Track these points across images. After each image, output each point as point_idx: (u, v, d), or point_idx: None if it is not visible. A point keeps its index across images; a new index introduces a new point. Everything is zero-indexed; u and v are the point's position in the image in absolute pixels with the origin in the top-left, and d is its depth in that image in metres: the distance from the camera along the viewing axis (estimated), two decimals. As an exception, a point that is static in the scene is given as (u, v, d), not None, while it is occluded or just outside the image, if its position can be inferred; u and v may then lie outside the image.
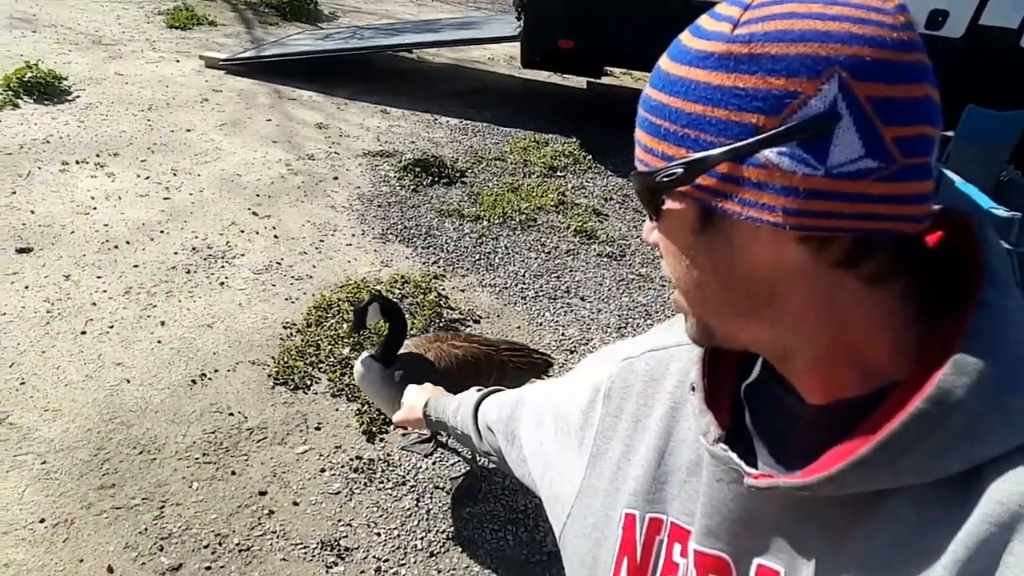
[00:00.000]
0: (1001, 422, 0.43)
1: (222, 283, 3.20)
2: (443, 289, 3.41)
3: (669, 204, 0.50)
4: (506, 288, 3.52)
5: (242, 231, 3.63)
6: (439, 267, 3.62)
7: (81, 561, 1.93)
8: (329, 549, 2.07)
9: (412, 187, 4.36)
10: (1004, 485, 0.42)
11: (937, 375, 0.44)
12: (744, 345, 0.54)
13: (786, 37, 0.42)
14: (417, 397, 1.17)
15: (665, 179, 0.48)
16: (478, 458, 2.27)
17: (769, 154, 0.43)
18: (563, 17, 4.81)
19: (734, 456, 0.54)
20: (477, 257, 3.75)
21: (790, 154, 0.43)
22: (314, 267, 3.45)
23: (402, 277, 3.42)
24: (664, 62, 0.50)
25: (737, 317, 0.52)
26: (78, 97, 4.84)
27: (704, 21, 0.48)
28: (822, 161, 0.42)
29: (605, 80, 6.60)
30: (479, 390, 1.03)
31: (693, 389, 0.60)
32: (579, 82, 6.85)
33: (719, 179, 0.46)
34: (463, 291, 3.45)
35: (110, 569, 1.93)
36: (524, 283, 3.58)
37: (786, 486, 0.49)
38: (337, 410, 2.59)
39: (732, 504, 0.56)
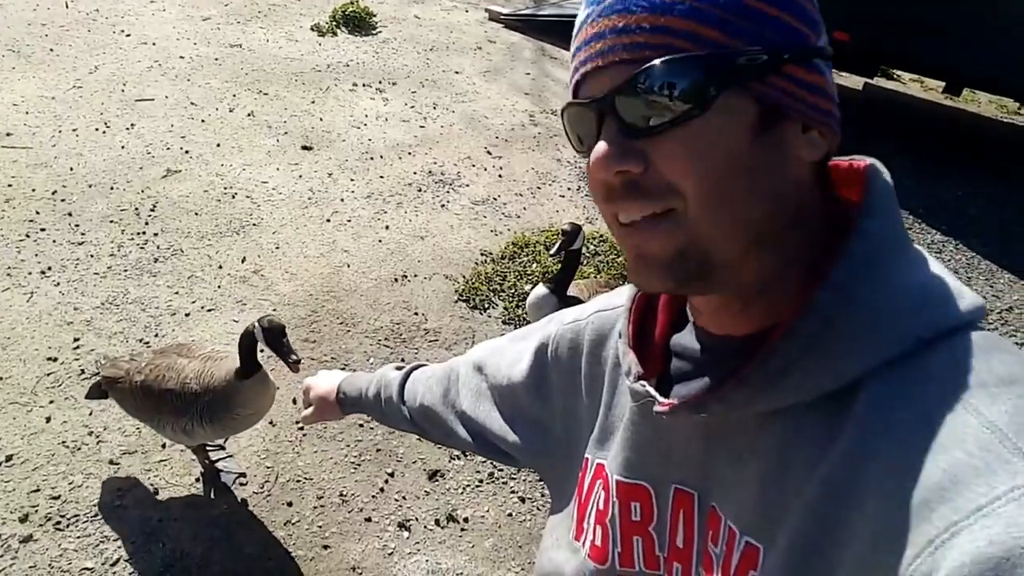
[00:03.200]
0: (869, 338, 0.46)
1: (443, 205, 3.61)
2: (636, 256, 3.47)
3: (725, 100, 0.45)
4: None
5: (473, 165, 4.02)
6: (640, 235, 3.67)
7: (279, 389, 2.42)
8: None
9: (639, 156, 4.41)
10: (869, 411, 0.45)
11: (813, 295, 0.47)
12: (726, 284, 0.51)
13: None
14: (326, 385, 1.09)
15: (746, 63, 0.45)
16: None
17: (819, 62, 0.49)
18: (839, 5, 4.35)
19: (650, 389, 0.57)
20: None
21: (825, 66, 0.50)
22: (524, 209, 3.72)
23: (601, 235, 3.54)
24: None
25: (752, 239, 0.49)
26: (380, 32, 5.63)
27: None
28: (829, 70, 0.50)
29: (888, 84, 5.90)
30: (398, 367, 1.00)
31: (621, 335, 0.64)
32: (855, 82, 6.21)
33: (786, 79, 0.47)
34: (655, 262, 3.47)
35: (294, 400, 2.39)
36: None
37: (685, 408, 0.53)
38: (502, 334, 2.83)
39: (650, 435, 0.61)
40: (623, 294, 0.68)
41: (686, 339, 0.60)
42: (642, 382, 0.59)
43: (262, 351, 1.76)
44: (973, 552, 0.35)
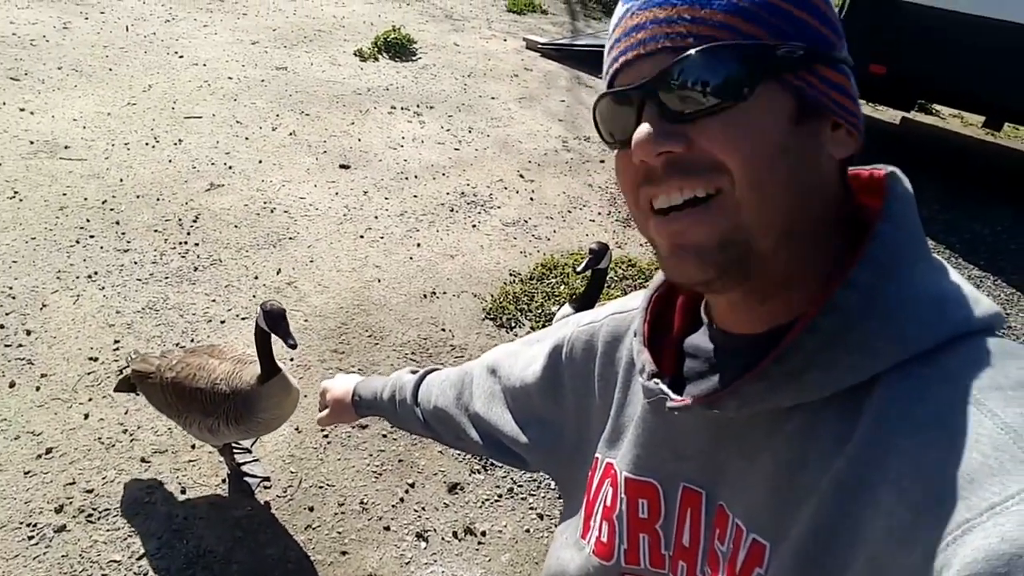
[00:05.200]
0: (888, 337, 0.46)
1: (474, 226, 3.67)
2: (664, 281, 3.47)
3: (764, 90, 0.47)
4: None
5: (505, 188, 4.09)
6: (669, 261, 3.67)
7: (305, 396, 2.47)
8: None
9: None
10: (885, 408, 0.45)
11: (833, 293, 0.48)
12: (759, 275, 0.51)
13: None
14: (342, 388, 1.10)
15: (786, 54, 0.47)
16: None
17: (844, 67, 0.52)
18: (877, 38, 4.35)
19: (663, 386, 0.58)
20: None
21: (849, 68, 0.52)
22: (554, 231, 3.76)
23: (630, 260, 3.56)
24: None
25: (784, 230, 0.49)
26: (420, 58, 5.80)
27: None
28: (853, 78, 0.52)
29: (926, 119, 5.84)
30: (413, 371, 1.01)
31: (636, 334, 0.65)
32: (892, 116, 6.16)
33: (817, 76, 0.50)
34: (683, 288, 3.47)
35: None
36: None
37: (699, 406, 0.54)
38: (528, 353, 2.85)
39: (661, 433, 0.61)
40: (638, 297, 0.69)
41: (700, 340, 0.61)
42: (655, 379, 0.59)
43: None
44: (986, 548, 0.36)
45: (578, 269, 2.35)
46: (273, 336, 1.80)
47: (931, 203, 4.48)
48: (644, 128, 0.49)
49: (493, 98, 5.28)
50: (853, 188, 0.56)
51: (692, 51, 0.47)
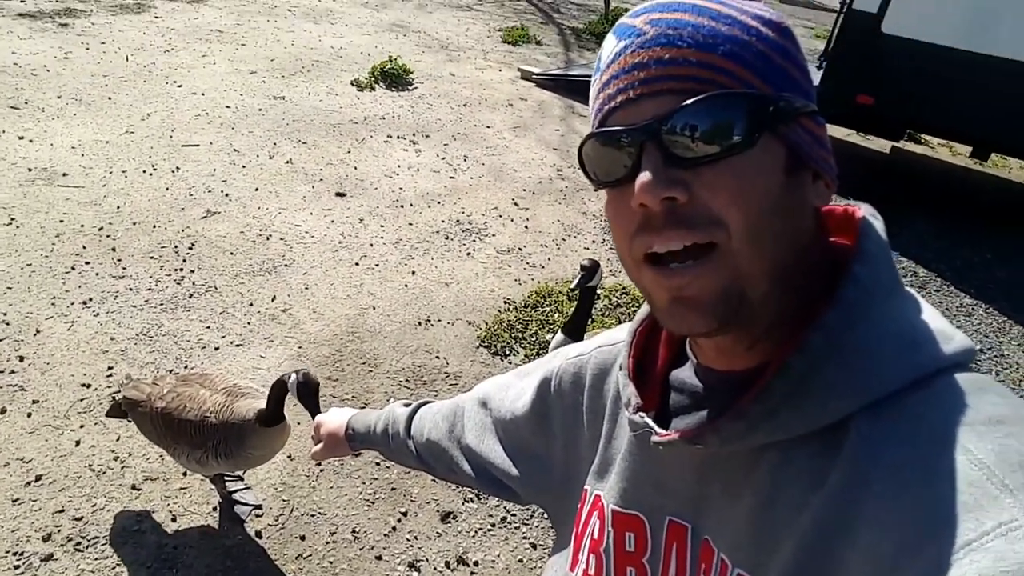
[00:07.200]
0: (857, 378, 0.48)
1: (469, 253, 3.70)
2: (658, 308, 3.49)
3: (765, 139, 0.48)
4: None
5: (500, 216, 4.12)
6: (662, 288, 3.69)
7: (299, 424, 2.46)
8: (473, 488, 2.34)
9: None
10: (861, 450, 0.46)
11: (807, 335, 0.49)
12: (751, 323, 0.52)
13: None
14: (336, 422, 1.11)
15: (784, 106, 0.48)
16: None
17: (821, 118, 0.54)
18: (865, 69, 4.46)
19: (648, 420, 0.59)
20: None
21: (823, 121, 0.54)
22: (549, 259, 3.78)
23: (623, 288, 3.58)
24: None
25: (776, 279, 0.50)
26: (416, 88, 5.88)
27: None
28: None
29: (916, 148, 5.93)
30: (406, 404, 1.02)
31: (621, 368, 0.66)
32: (882, 145, 6.26)
33: (803, 129, 0.52)
34: (676, 315, 3.48)
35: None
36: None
37: (683, 441, 0.55)
38: (522, 381, 2.85)
39: (647, 466, 0.63)
40: (624, 330, 0.70)
41: (686, 374, 0.62)
42: (641, 413, 0.60)
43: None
44: None
45: (572, 287, 2.34)
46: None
47: (921, 231, 4.54)
48: (647, 174, 0.48)
49: (488, 127, 5.35)
50: (827, 226, 0.58)
51: (704, 96, 0.47)
